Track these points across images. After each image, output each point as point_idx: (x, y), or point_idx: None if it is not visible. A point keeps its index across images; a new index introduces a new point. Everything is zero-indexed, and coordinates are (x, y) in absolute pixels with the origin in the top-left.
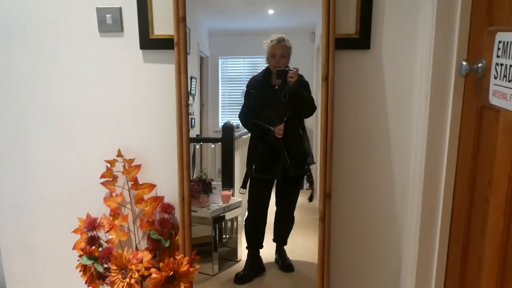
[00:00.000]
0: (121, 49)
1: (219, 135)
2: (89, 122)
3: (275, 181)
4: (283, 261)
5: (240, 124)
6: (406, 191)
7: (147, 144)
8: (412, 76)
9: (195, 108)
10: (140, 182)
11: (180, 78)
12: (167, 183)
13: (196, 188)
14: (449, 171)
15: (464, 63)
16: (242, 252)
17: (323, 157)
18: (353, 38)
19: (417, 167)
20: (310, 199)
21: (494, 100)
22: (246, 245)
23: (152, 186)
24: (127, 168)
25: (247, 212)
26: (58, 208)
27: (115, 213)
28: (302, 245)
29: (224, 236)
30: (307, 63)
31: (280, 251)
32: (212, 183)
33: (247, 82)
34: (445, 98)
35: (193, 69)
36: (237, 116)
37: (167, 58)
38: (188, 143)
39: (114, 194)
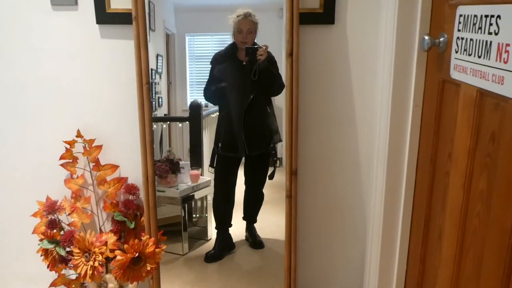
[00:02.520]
0: (76, 24)
1: (188, 114)
2: (44, 100)
3: (243, 160)
4: (253, 239)
5: (207, 102)
6: (371, 167)
7: (109, 124)
8: (376, 52)
9: (162, 86)
10: (102, 163)
11: (140, 54)
12: (130, 164)
13: (163, 168)
14: (412, 146)
15: (426, 37)
16: (212, 231)
17: (289, 134)
18: (318, 12)
19: (382, 143)
20: (271, 176)
21: (455, 74)
22: (215, 225)
23: (115, 167)
24: (88, 149)
25: (213, 190)
26: (16, 191)
27: (76, 195)
28: (272, 222)
29: (194, 216)
30: (275, 40)
31: (250, 229)
32: (180, 162)
33: (212, 58)
34: (408, 73)
35: (159, 46)
36: None
37: (126, 33)
38: (151, 122)
39: (75, 176)
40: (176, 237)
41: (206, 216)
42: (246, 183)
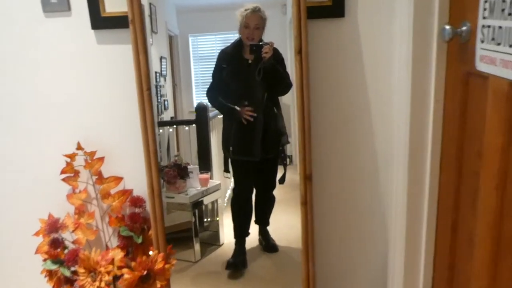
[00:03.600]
0: (71, 30)
1: (195, 116)
2: (41, 112)
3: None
4: (266, 242)
5: (209, 102)
6: (390, 167)
7: (110, 134)
8: (391, 44)
9: (167, 89)
10: (105, 175)
11: (138, 59)
12: (135, 175)
13: (171, 173)
14: (434, 144)
15: (447, 27)
16: (224, 236)
17: (301, 137)
18: (326, 5)
19: (401, 141)
20: (282, 180)
21: (481, 66)
22: (233, 234)
23: (118, 179)
24: (89, 161)
25: (232, 194)
26: (16, 209)
27: (80, 211)
28: (285, 224)
29: (205, 220)
30: (279, 37)
31: (263, 232)
32: (189, 167)
33: (217, 57)
34: (427, 66)
35: (162, 48)
36: None
37: (123, 38)
38: (154, 130)
39: (77, 191)
40: (187, 244)
41: (217, 220)
42: (257, 187)
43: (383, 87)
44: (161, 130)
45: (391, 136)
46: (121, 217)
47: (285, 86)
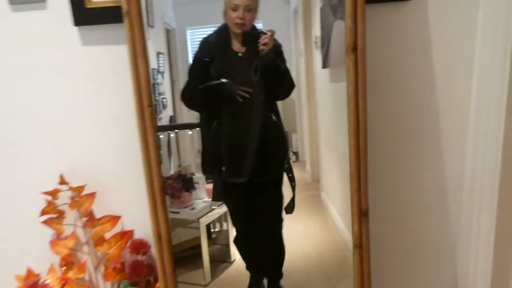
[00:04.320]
0: (46, 28)
1: (195, 114)
2: (15, 138)
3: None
4: None
5: (186, 105)
6: (462, 193)
7: (102, 163)
8: (472, 35)
9: (166, 86)
10: (98, 215)
11: (137, 65)
12: (135, 211)
13: (175, 186)
14: None
15: None
16: (236, 250)
17: (355, 161)
18: None
19: (487, 160)
20: (290, 209)
21: None
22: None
23: (115, 219)
24: (76, 199)
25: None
26: None
27: (67, 262)
28: (301, 233)
29: (212, 231)
30: (280, 31)
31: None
32: (194, 177)
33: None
34: None
35: (159, 44)
36: None
37: (116, 36)
38: (158, 156)
39: (63, 236)
40: (195, 263)
41: (227, 231)
42: (255, 222)
43: (459, 91)
44: (161, 136)
45: (465, 151)
46: (121, 268)
47: (288, 87)
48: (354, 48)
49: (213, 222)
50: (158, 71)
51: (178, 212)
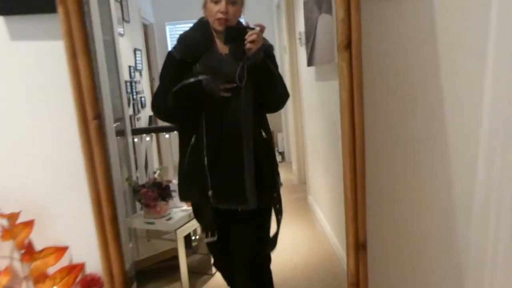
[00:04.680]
0: None
1: None
2: None
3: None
4: None
5: (158, 115)
6: (484, 214)
7: (40, 185)
8: (483, 30)
9: (144, 85)
10: (40, 246)
11: (76, 65)
12: (87, 242)
13: (150, 195)
14: None
15: None
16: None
17: (351, 187)
18: None
19: (505, 174)
20: (273, 244)
21: None
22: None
23: (60, 251)
24: (9, 228)
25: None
26: None
27: None
28: (291, 243)
29: (193, 238)
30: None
31: None
32: (171, 184)
33: (174, 48)
34: None
35: (136, 40)
36: None
37: (53, 28)
38: (109, 179)
39: None
40: (172, 275)
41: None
42: (238, 256)
43: (469, 93)
44: (135, 139)
45: (476, 161)
46: None
47: (280, 97)
48: (348, 45)
49: (194, 229)
50: (136, 69)
51: (153, 223)
